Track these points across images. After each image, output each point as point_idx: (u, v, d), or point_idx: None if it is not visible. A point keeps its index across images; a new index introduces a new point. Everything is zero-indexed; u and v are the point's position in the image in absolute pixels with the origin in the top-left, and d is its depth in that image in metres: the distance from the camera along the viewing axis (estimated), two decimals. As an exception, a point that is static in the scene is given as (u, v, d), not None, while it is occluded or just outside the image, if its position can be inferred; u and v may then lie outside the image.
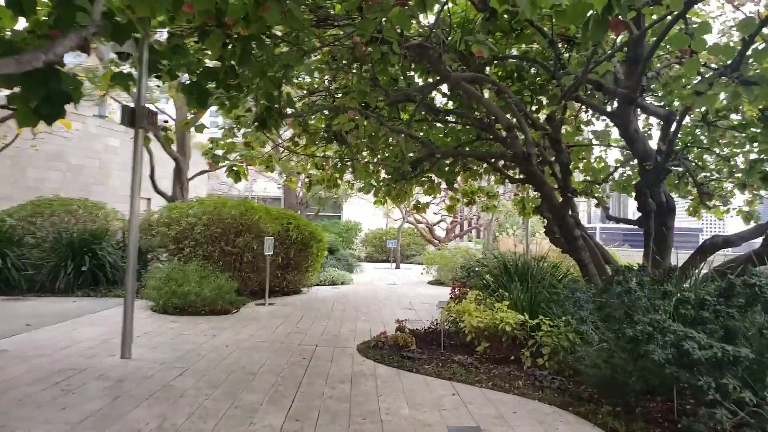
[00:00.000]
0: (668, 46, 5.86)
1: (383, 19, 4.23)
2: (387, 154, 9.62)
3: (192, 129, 7.69)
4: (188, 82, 5.13)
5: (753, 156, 8.84)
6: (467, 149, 8.55)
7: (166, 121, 10.51)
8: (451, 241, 27.43)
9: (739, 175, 9.00)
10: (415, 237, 26.22)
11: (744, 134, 8.12)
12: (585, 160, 10.06)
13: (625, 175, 10.53)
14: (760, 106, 6.97)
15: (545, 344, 4.55)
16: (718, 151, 8.40)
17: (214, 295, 8.74)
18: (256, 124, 5.97)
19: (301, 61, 4.73)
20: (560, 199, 6.37)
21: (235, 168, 8.85)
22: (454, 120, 9.37)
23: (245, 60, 4.57)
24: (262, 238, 10.13)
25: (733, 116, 7.74)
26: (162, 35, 6.79)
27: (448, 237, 27.40)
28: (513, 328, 4.97)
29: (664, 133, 5.69)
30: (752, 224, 6.22)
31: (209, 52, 5.03)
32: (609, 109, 6.42)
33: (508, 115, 6.15)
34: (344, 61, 6.07)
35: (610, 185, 10.17)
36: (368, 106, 6.41)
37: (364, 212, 28.05)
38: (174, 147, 14.29)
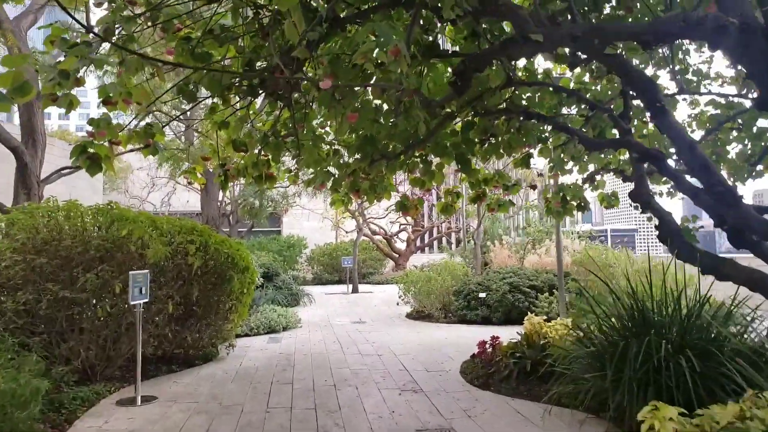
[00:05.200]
0: None
1: None
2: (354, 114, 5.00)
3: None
4: None
5: None
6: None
7: None
8: (413, 254, 23.27)
9: None
10: (371, 251, 21.80)
11: None
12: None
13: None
14: None
15: None
16: None
17: None
18: None
19: None
20: None
21: (91, 150, 4.10)
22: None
23: None
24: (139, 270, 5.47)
25: None
26: None
27: (410, 249, 23.22)
28: None
29: None
30: None
31: None
32: None
33: None
34: None
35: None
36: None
37: (308, 225, 23.35)
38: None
